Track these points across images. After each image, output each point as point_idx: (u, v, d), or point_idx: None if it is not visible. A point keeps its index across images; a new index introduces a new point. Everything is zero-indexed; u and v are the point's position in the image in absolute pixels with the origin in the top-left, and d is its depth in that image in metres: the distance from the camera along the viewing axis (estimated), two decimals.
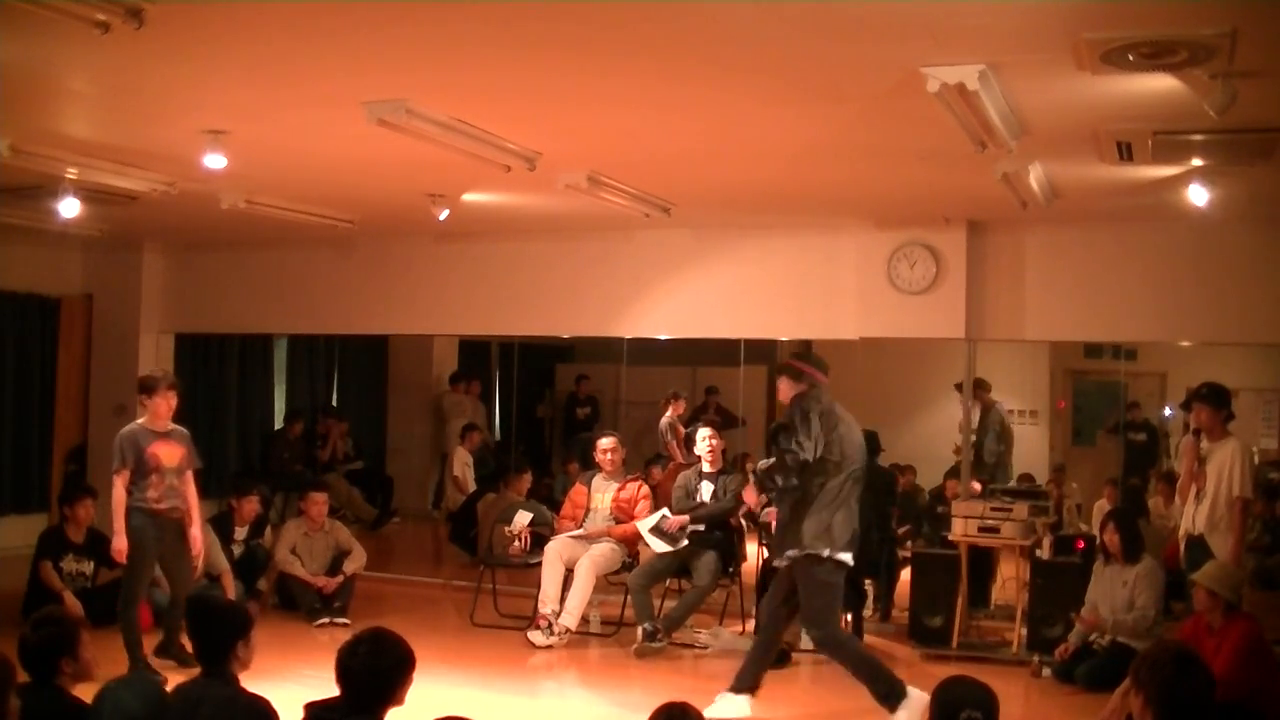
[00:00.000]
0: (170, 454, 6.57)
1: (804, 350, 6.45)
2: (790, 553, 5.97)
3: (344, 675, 3.43)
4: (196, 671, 3.87)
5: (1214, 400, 6.63)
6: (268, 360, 12.82)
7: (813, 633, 6.33)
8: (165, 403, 6.58)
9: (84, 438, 10.75)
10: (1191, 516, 6.63)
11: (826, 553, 5.88)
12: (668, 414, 10.99)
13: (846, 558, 5.94)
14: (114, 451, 6.48)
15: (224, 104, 5.36)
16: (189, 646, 6.64)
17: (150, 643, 6.65)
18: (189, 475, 6.69)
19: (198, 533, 6.77)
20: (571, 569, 7.72)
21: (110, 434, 10.26)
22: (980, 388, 9.61)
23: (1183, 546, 6.75)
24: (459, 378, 12.92)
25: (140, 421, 6.59)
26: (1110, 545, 7.01)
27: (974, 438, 9.56)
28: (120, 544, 6.40)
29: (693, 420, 10.98)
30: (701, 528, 7.79)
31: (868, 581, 8.18)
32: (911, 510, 9.42)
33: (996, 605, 8.44)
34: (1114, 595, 6.96)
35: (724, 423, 9.04)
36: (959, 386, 8.63)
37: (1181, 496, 6.88)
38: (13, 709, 3.26)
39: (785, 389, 6.09)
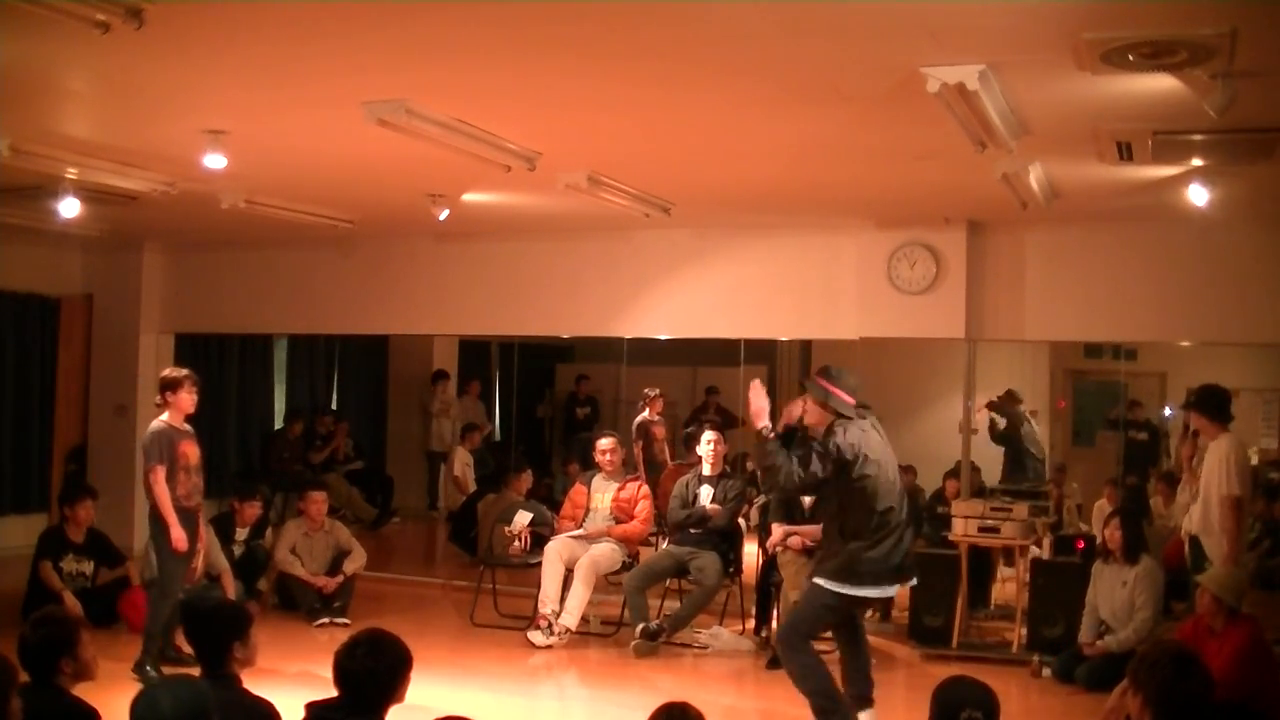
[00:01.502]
0: (195, 451, 6.71)
1: (829, 367, 5.66)
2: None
3: (342, 677, 3.43)
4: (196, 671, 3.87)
5: (1204, 406, 6.65)
6: (268, 360, 12.83)
7: (783, 627, 6.10)
8: (190, 398, 6.66)
9: (84, 438, 10.76)
10: (1188, 518, 6.68)
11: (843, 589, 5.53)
12: (644, 414, 10.72)
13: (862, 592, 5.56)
14: (147, 449, 6.54)
15: (224, 104, 5.36)
16: (184, 646, 6.69)
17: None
18: (201, 471, 6.82)
19: (204, 529, 6.93)
20: (571, 569, 7.72)
21: (110, 434, 10.43)
22: (1012, 399, 9.67)
23: (1187, 545, 6.78)
24: (440, 376, 12.91)
25: (165, 419, 6.63)
26: (1111, 542, 7.01)
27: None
28: (179, 534, 6.45)
29: (692, 420, 10.95)
30: (701, 530, 7.81)
31: None
32: (912, 510, 9.41)
33: (996, 605, 8.45)
34: (1113, 595, 6.96)
35: (724, 423, 9.04)
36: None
37: (1184, 493, 6.93)
38: (15, 709, 3.26)
39: (812, 414, 5.56)
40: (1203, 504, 6.54)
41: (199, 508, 6.75)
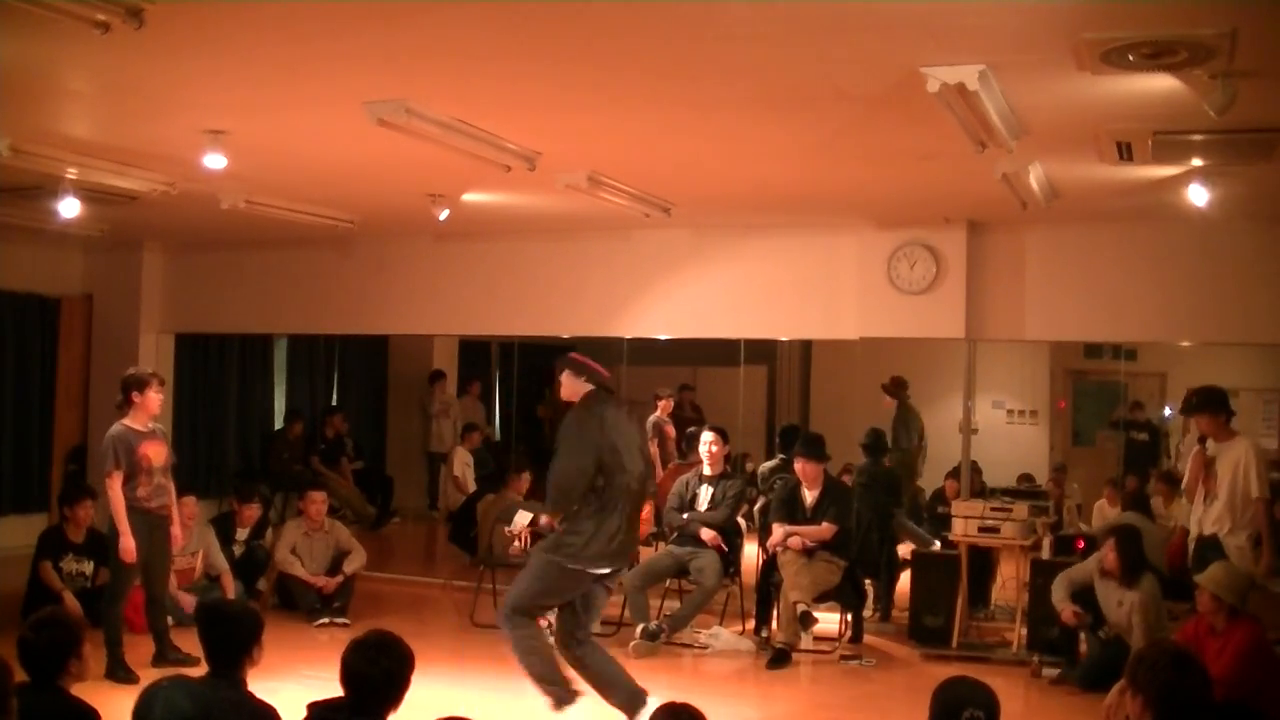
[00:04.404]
0: (157, 453, 6.64)
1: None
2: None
3: (352, 679, 3.42)
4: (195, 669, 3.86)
5: (1209, 407, 6.62)
6: (268, 360, 12.83)
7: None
8: (157, 399, 6.61)
9: (84, 438, 10.75)
10: (1199, 520, 6.63)
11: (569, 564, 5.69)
12: (655, 413, 10.96)
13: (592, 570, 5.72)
14: (104, 453, 6.50)
15: (224, 104, 5.36)
16: (179, 644, 6.70)
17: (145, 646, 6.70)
18: (169, 472, 6.79)
19: (178, 531, 6.92)
20: None
21: None
22: (900, 387, 9.64)
23: (1192, 548, 6.72)
24: (438, 376, 12.94)
25: (125, 422, 6.57)
26: (1108, 563, 6.73)
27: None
28: (128, 543, 6.43)
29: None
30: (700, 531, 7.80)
31: (868, 581, 8.19)
32: (913, 510, 9.43)
33: (996, 605, 8.44)
34: (1110, 608, 6.82)
35: (696, 421, 9.07)
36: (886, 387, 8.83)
37: (1188, 496, 6.86)
38: (12, 709, 3.26)
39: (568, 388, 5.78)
40: (1227, 505, 6.51)
41: (164, 508, 6.68)
